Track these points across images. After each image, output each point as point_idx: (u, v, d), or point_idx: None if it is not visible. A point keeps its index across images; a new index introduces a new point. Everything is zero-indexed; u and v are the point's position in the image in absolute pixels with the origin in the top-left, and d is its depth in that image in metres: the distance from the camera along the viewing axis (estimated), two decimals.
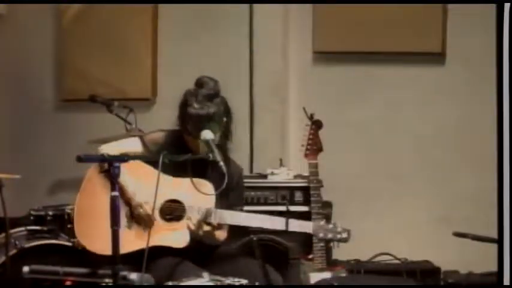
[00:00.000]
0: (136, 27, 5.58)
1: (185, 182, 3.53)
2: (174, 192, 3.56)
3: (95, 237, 3.47)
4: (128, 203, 3.57)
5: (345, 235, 3.62)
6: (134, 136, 3.81)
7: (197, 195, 3.50)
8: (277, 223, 3.57)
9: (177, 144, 3.64)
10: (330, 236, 3.62)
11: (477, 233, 4.32)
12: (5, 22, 5.71)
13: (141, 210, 3.55)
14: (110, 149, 3.50)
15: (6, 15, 5.71)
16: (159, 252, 3.48)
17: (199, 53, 5.46)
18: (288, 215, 3.59)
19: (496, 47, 2.72)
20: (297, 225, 3.58)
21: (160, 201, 3.54)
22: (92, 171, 3.64)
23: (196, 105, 3.57)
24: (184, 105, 3.61)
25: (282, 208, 4.77)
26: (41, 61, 5.72)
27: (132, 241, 3.45)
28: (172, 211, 3.58)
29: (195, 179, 3.48)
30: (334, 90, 5.49)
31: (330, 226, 3.64)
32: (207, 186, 3.53)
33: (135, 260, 3.23)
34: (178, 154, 3.55)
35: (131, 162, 3.23)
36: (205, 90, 3.62)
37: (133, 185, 3.56)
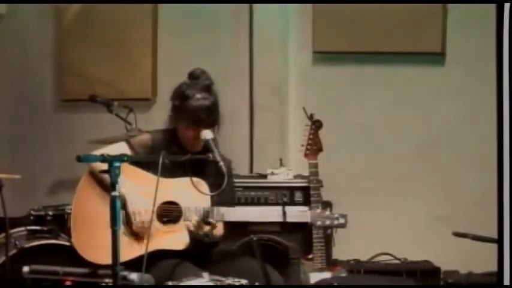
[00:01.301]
0: (136, 27, 5.58)
1: (179, 182, 3.51)
2: (169, 193, 3.53)
3: (94, 248, 3.44)
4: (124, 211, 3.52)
5: (342, 220, 3.60)
6: (121, 141, 3.74)
7: (193, 195, 3.49)
8: (274, 215, 3.56)
9: (167, 145, 3.61)
10: (327, 222, 3.60)
11: (477, 233, 4.32)
12: (5, 22, 5.71)
13: (137, 219, 3.51)
14: None
15: (6, 15, 5.71)
16: (159, 256, 3.47)
17: (199, 53, 5.45)
18: (284, 212, 3.54)
19: (496, 47, 2.72)
20: (294, 216, 3.57)
21: (156, 203, 3.51)
22: (84, 180, 3.61)
23: (198, 96, 3.55)
24: (182, 99, 3.58)
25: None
26: (41, 61, 5.72)
27: (131, 249, 3.43)
28: (169, 213, 3.55)
29: (191, 178, 3.47)
30: (334, 90, 5.48)
31: (327, 213, 3.62)
32: (203, 185, 3.51)
33: (135, 266, 3.19)
34: (169, 155, 3.54)
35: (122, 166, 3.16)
36: (202, 81, 3.61)
37: (128, 191, 3.54)
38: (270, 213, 3.58)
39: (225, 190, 3.57)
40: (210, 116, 3.57)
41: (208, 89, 3.61)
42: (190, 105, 3.55)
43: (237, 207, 3.62)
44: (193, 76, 3.65)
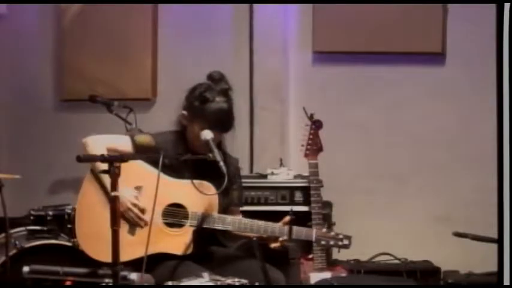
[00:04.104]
0: (136, 27, 5.58)
1: (187, 184, 3.49)
2: (177, 195, 3.53)
3: (98, 245, 3.43)
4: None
5: (346, 242, 3.63)
6: (126, 135, 3.75)
7: (200, 198, 3.48)
8: (280, 231, 3.56)
9: (173, 146, 3.60)
10: (331, 243, 3.63)
11: (477, 233, 4.32)
12: (5, 22, 5.70)
13: (131, 214, 3.51)
14: (98, 142, 3.47)
15: (6, 15, 5.71)
16: (161, 258, 3.47)
17: (199, 53, 5.46)
18: (291, 221, 3.55)
19: (496, 47, 2.72)
20: (299, 234, 3.58)
21: (163, 205, 3.51)
22: (88, 177, 3.60)
23: (218, 100, 3.55)
24: (201, 100, 3.55)
25: (282, 208, 4.76)
26: (41, 61, 5.72)
27: (134, 249, 3.41)
28: (175, 216, 3.55)
29: (197, 181, 3.46)
30: (334, 90, 5.49)
31: (332, 233, 3.64)
32: (210, 189, 3.49)
33: (137, 266, 3.20)
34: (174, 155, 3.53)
35: (130, 164, 3.16)
36: (223, 84, 3.60)
37: (132, 191, 3.54)
38: (275, 230, 3.57)
39: (232, 189, 3.62)
40: (229, 121, 3.57)
41: (226, 93, 3.60)
42: (211, 108, 3.53)
43: (243, 219, 3.60)
44: (212, 78, 3.62)
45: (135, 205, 3.50)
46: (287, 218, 3.55)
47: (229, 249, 3.76)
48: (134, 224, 3.52)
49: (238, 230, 3.57)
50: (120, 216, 3.43)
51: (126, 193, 3.48)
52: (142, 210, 3.50)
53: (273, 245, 3.56)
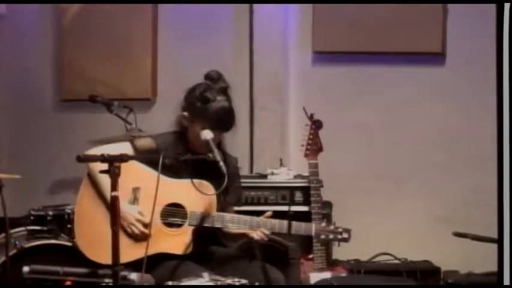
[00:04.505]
0: (136, 27, 5.58)
1: (186, 184, 3.49)
2: (175, 195, 3.53)
3: (97, 247, 3.44)
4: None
5: (345, 235, 3.63)
6: (125, 140, 3.73)
7: (198, 197, 3.48)
8: (279, 227, 3.56)
9: (173, 147, 3.60)
10: (331, 237, 3.63)
11: (477, 233, 4.32)
12: (5, 22, 5.70)
13: (134, 228, 3.52)
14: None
15: (6, 15, 5.71)
16: (161, 258, 3.47)
17: (199, 53, 5.45)
18: (290, 217, 3.56)
19: (496, 47, 2.72)
20: (299, 229, 3.58)
21: (162, 205, 3.51)
22: (86, 179, 3.61)
23: (219, 99, 3.54)
24: (203, 101, 3.55)
25: (282, 208, 4.75)
26: (41, 61, 5.72)
27: (134, 250, 3.42)
28: (174, 216, 3.55)
29: (196, 181, 3.46)
30: (334, 90, 5.49)
31: (331, 227, 3.64)
32: (209, 189, 3.49)
33: (137, 266, 3.21)
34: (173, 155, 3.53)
35: (128, 165, 3.15)
36: (221, 83, 3.60)
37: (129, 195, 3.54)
38: (275, 226, 3.56)
39: (231, 189, 3.61)
40: (231, 119, 3.57)
41: (225, 91, 3.59)
42: (213, 108, 3.53)
43: (242, 216, 3.60)
44: (210, 78, 3.62)
45: (139, 221, 3.50)
46: (268, 214, 3.55)
47: (229, 249, 3.76)
48: (135, 238, 3.52)
49: (238, 227, 3.56)
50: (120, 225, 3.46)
51: (129, 209, 3.50)
52: (146, 225, 3.49)
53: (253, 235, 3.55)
